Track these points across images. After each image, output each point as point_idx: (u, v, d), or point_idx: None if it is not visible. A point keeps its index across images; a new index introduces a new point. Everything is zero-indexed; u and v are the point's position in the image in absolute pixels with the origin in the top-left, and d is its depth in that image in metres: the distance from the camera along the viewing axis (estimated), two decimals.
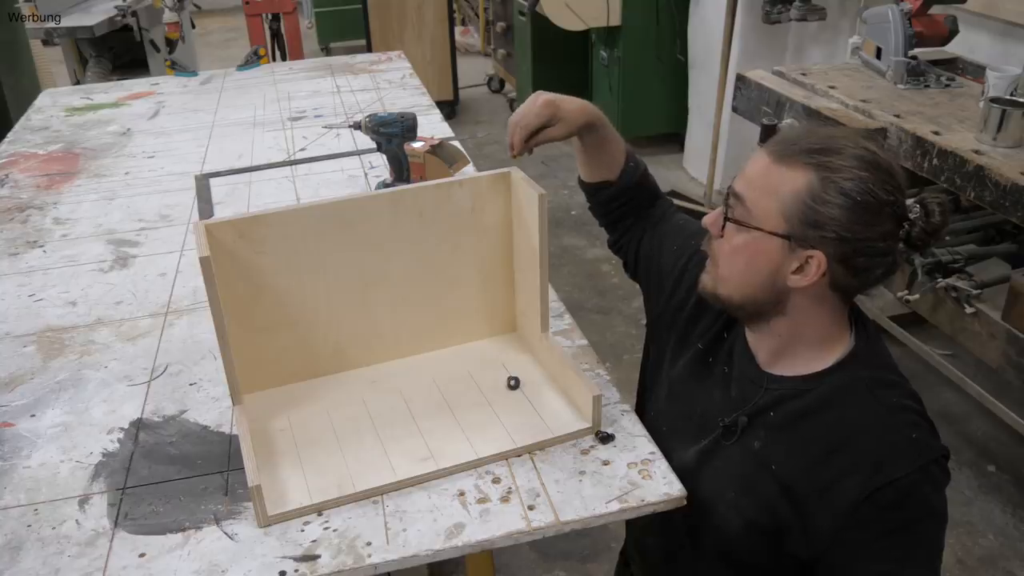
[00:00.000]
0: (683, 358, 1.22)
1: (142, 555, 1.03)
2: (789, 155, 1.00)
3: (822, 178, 0.97)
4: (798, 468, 1.02)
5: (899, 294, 2.31)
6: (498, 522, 1.05)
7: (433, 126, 2.40)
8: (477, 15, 7.09)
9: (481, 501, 1.09)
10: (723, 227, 1.04)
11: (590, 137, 1.25)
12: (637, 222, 1.34)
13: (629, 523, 1.39)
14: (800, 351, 1.07)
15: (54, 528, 1.08)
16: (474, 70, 6.34)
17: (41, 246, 1.86)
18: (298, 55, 5.32)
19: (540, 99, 1.18)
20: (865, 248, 0.98)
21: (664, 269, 1.28)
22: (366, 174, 2.13)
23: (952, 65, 2.72)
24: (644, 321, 1.39)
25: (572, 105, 1.20)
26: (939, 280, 2.17)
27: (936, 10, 2.56)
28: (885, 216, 0.98)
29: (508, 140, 1.19)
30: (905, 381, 1.06)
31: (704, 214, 1.11)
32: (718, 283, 1.08)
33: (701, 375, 1.18)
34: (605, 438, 1.18)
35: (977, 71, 2.61)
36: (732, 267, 1.05)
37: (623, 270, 1.40)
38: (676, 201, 4.10)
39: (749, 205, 1.01)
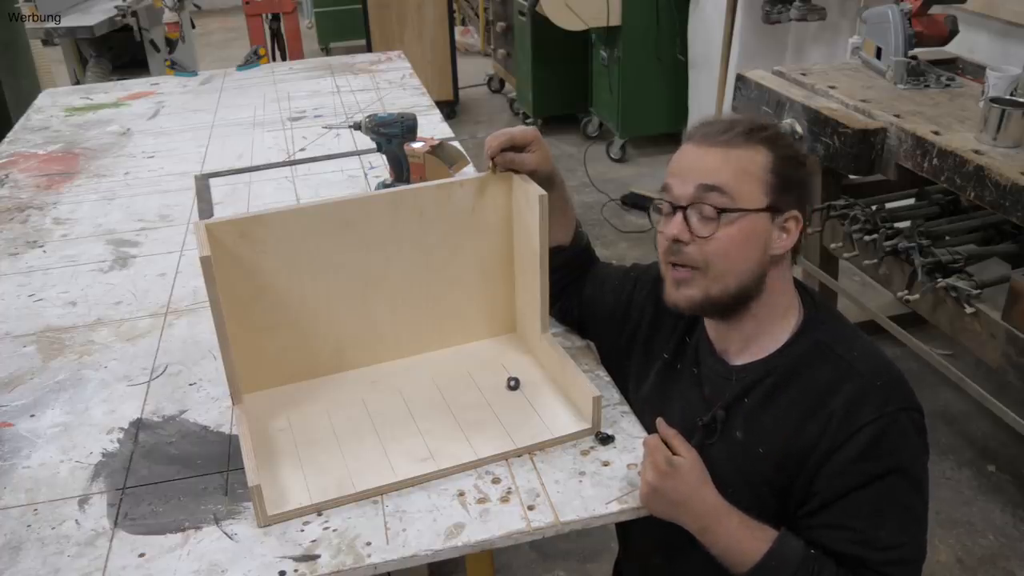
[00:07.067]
0: (649, 376, 1.26)
1: (142, 555, 1.03)
2: (738, 138, 1.07)
3: (772, 149, 1.08)
4: (782, 439, 1.06)
5: (899, 294, 2.31)
6: (498, 522, 1.05)
7: (433, 126, 2.40)
8: (477, 15, 7.09)
9: (481, 501, 1.09)
10: (718, 222, 1.06)
11: (552, 195, 1.27)
12: (579, 284, 1.40)
13: (624, 538, 1.40)
14: (768, 330, 1.12)
15: (54, 528, 1.08)
16: (474, 70, 6.34)
17: (41, 246, 1.86)
18: (298, 55, 5.32)
19: (527, 126, 1.27)
20: (813, 196, 1.13)
21: (607, 307, 1.34)
22: (366, 174, 2.13)
23: (952, 65, 2.72)
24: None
25: (549, 152, 1.29)
26: (939, 280, 2.16)
27: (936, 10, 2.55)
28: (809, 165, 1.15)
29: (485, 147, 1.26)
30: (860, 334, 1.12)
31: None
32: (709, 286, 1.09)
33: (671, 383, 1.22)
34: (605, 439, 1.18)
35: (977, 71, 2.61)
36: (728, 259, 1.08)
37: (576, 336, 1.43)
38: None
39: (730, 192, 1.06)
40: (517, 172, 1.26)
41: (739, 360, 1.15)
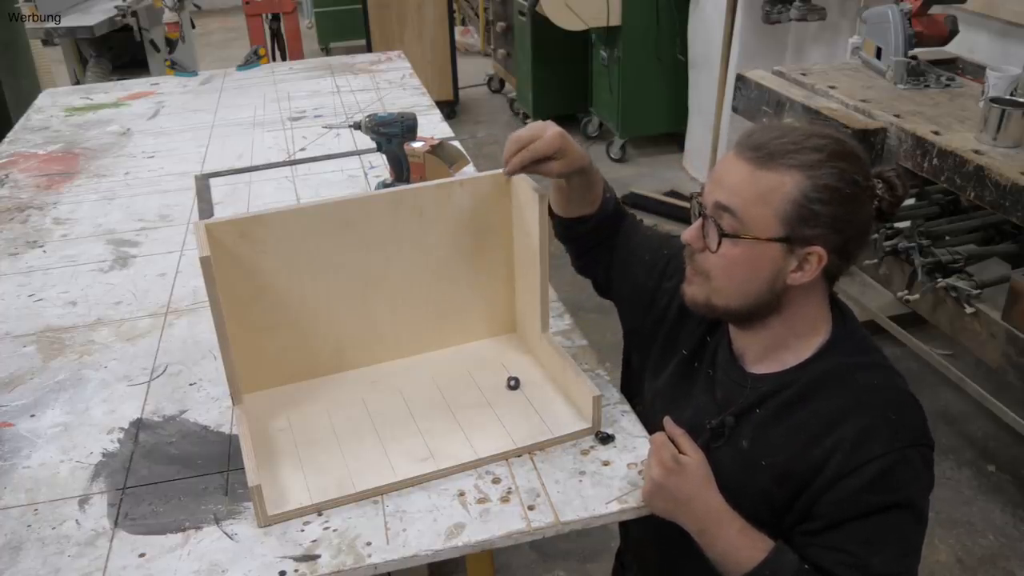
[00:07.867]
0: (668, 367, 1.24)
1: (142, 555, 1.03)
2: (769, 159, 1.01)
3: (808, 177, 1.00)
4: (787, 456, 1.05)
5: (899, 294, 2.31)
6: (498, 522, 1.05)
7: (433, 126, 2.40)
8: (477, 15, 7.09)
9: (481, 501, 1.09)
10: (719, 243, 1.03)
11: (580, 179, 1.23)
12: (607, 244, 1.35)
13: (625, 529, 1.40)
14: (790, 344, 1.09)
15: (54, 528, 1.08)
16: (474, 70, 6.35)
17: (41, 246, 1.86)
18: (298, 55, 5.32)
19: (552, 130, 1.16)
20: (855, 233, 1.04)
21: (637, 282, 1.30)
22: (366, 174, 2.13)
23: (952, 65, 2.72)
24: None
25: (576, 146, 1.20)
26: (939, 280, 2.17)
27: (936, 10, 2.56)
28: (866, 199, 1.04)
29: (505, 156, 1.17)
30: (885, 361, 1.09)
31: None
32: (712, 294, 1.08)
33: (686, 381, 1.20)
34: (605, 439, 1.18)
35: (977, 71, 2.61)
36: (730, 278, 1.06)
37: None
38: (675, 202, 4.11)
39: (741, 215, 1.02)
40: None
41: (756, 368, 1.12)
